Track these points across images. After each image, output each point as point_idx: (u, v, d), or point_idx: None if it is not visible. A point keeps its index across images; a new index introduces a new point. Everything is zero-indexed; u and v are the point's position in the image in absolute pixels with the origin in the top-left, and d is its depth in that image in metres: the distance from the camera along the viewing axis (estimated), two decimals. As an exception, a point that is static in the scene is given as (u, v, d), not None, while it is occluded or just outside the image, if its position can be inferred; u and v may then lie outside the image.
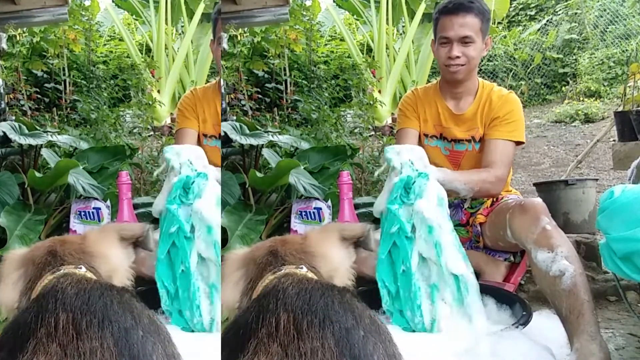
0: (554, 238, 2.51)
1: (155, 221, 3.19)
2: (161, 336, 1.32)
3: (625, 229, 2.37)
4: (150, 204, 3.45)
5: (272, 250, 1.70)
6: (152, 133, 5.33)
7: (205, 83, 6.22)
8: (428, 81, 8.38)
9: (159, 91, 7.50)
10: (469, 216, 3.05)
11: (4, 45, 5.18)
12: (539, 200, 2.70)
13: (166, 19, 8.47)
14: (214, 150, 3.04)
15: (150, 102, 4.88)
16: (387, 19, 8.47)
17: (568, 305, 2.39)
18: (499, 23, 11.83)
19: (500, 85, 3.15)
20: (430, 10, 9.17)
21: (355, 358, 1.20)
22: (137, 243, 1.80)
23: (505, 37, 11.35)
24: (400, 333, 2.44)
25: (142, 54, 8.59)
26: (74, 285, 1.41)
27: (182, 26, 9.50)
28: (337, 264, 1.68)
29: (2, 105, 4.32)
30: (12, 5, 5.72)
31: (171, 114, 7.17)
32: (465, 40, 2.87)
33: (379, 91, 7.47)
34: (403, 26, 9.55)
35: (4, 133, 3.33)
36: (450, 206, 2.92)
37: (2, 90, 4.40)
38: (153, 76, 5.70)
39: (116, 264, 1.68)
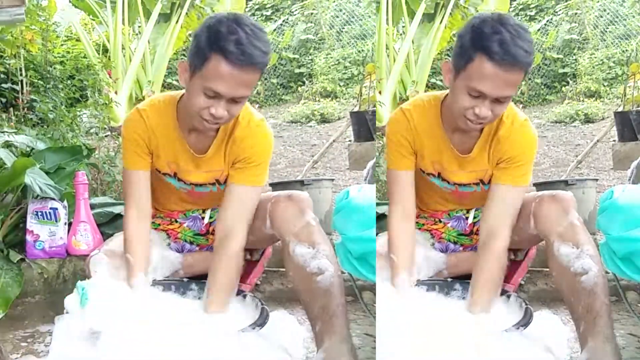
0: (582, 235, 2.51)
1: (112, 220, 3.39)
2: None
3: (625, 229, 2.53)
4: (107, 204, 3.63)
5: None
6: (109, 133, 5.47)
7: (162, 84, 6.38)
8: (164, 82, 8.75)
9: (116, 92, 7.62)
10: (472, 227, 2.93)
11: (-38, 46, 5.31)
12: (570, 194, 2.67)
13: (123, 19, 8.60)
14: (168, 185, 2.84)
15: (107, 103, 5.01)
16: (123, 19, 8.71)
17: (586, 305, 2.42)
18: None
19: None
20: (167, 10, 9.42)
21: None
22: None
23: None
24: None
25: (99, 54, 8.70)
26: None
27: (139, 26, 9.62)
28: None
29: (-41, 105, 4.45)
30: (-30, 6, 5.84)
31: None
32: (501, 100, 2.53)
33: (116, 92, 7.67)
34: (139, 26, 9.82)
35: None
36: (451, 218, 2.96)
37: (-42, 91, 4.53)
38: (110, 76, 5.80)
39: None
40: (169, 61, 9.34)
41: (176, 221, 2.89)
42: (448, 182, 2.83)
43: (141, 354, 2.35)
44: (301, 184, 4.07)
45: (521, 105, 9.88)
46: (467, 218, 2.94)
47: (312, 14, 10.61)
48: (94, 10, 9.69)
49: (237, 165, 2.71)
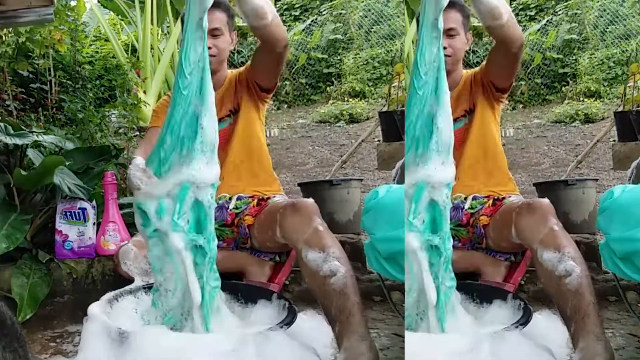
0: (561, 238, 2.50)
1: None
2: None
3: (625, 229, 2.45)
4: None
5: None
6: (137, 133, 5.32)
7: None
8: None
9: (144, 91, 7.47)
10: (469, 217, 3.01)
11: (-10, 46, 5.20)
12: (546, 200, 2.68)
13: (152, 19, 8.46)
14: None
15: (136, 103, 4.79)
16: (152, 20, 8.53)
17: (573, 306, 2.40)
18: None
19: None
20: None
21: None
22: None
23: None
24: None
25: (127, 54, 8.56)
26: None
27: (168, 26, 9.48)
28: None
29: (-12, 106, 4.35)
30: (-2, 6, 5.73)
31: None
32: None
33: (144, 92, 7.48)
34: (168, 26, 9.62)
35: None
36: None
37: (-13, 91, 4.43)
38: (139, 76, 5.66)
39: None
40: (197, 60, 9.24)
41: None
42: None
43: (168, 352, 2.27)
44: (330, 184, 3.95)
45: (521, 105, 9.76)
46: (463, 207, 2.99)
47: (340, 14, 10.44)
48: (122, 10, 9.57)
49: (244, 73, 3.03)
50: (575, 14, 11.19)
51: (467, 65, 3.34)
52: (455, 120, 2.91)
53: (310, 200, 2.69)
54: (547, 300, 2.62)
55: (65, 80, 4.99)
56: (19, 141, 3.26)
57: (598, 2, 10.98)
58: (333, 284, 2.42)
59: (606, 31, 10.60)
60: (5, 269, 3.01)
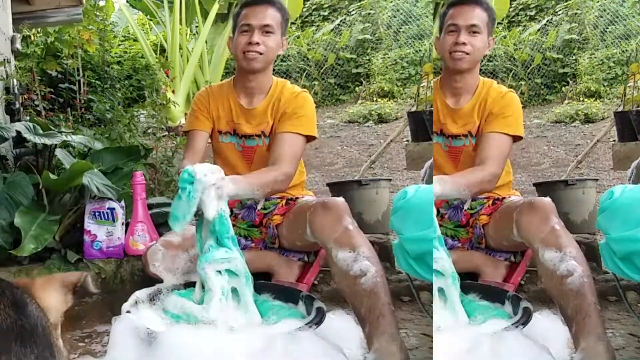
0: (563, 238, 2.42)
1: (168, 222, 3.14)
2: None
3: (625, 229, 2.37)
4: (164, 204, 3.40)
5: None
6: (166, 133, 5.24)
7: None
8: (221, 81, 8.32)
9: (173, 91, 7.38)
10: (468, 217, 2.95)
11: (19, 46, 5.10)
12: (548, 199, 2.58)
13: (180, 19, 8.38)
14: (229, 146, 2.94)
15: (165, 103, 4.69)
16: (181, 20, 8.39)
17: (575, 306, 2.32)
18: (499, 23, 11.69)
19: (500, 84, 3.07)
20: (224, 10, 9.12)
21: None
22: (78, 289, 1.75)
23: (505, 37, 11.14)
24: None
25: (156, 54, 8.47)
26: None
27: (197, 26, 9.39)
28: (49, 306, 1.64)
29: (17, 106, 4.23)
30: (27, 6, 5.65)
31: (185, 114, 7.02)
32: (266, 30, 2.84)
33: (173, 91, 7.35)
34: (196, 26, 9.46)
35: (19, 133, 3.19)
36: (449, 207, 2.95)
37: (16, 91, 4.31)
38: (167, 76, 5.55)
39: (49, 306, 1.63)
40: (227, 61, 9.15)
41: (231, 212, 2.77)
42: (239, 136, 2.95)
43: (197, 353, 2.20)
44: (358, 184, 3.83)
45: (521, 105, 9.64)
46: (463, 208, 2.94)
47: (369, 14, 10.31)
48: (151, 10, 9.47)
49: (282, 117, 2.84)
50: (575, 14, 11.06)
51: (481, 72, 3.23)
52: (455, 136, 2.93)
53: (341, 199, 2.60)
54: (547, 300, 2.54)
55: (93, 80, 4.93)
56: (47, 141, 3.18)
57: (598, 2, 10.83)
58: (363, 284, 2.33)
59: (606, 31, 10.46)
60: (34, 269, 2.92)
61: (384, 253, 3.21)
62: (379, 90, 9.30)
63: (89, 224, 3.06)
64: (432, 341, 2.46)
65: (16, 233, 2.88)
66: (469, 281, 2.77)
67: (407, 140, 5.45)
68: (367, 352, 2.33)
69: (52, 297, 1.69)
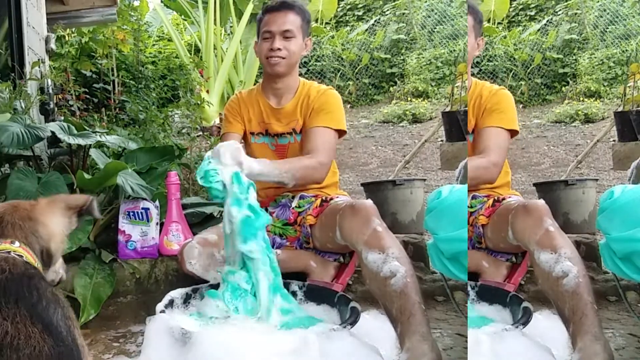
0: (557, 239, 2.32)
1: (204, 220, 3.01)
2: (60, 303, 1.45)
3: (625, 229, 2.30)
4: (199, 204, 3.30)
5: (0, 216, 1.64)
6: (200, 133, 5.09)
7: (254, 83, 5.98)
8: (256, 81, 8.07)
9: (207, 91, 7.20)
10: (469, 215, 2.83)
11: (53, 46, 4.99)
12: (542, 202, 2.48)
13: (215, 19, 8.18)
14: (262, 146, 2.88)
15: (199, 102, 4.51)
16: (215, 20, 8.17)
17: (571, 306, 2.22)
18: (499, 23, 11.52)
19: (500, 85, 2.99)
20: (259, 10, 8.81)
21: (42, 319, 1.36)
22: (82, 211, 1.75)
23: (505, 37, 10.95)
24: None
25: (190, 54, 8.29)
26: None
27: (231, 26, 9.19)
28: (54, 230, 1.66)
29: (51, 106, 4.11)
30: (61, 6, 5.54)
31: (220, 114, 6.91)
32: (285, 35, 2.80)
33: (207, 91, 7.16)
34: (231, 26, 9.23)
35: (53, 133, 3.02)
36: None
37: (51, 91, 4.19)
38: (201, 76, 5.38)
39: (54, 230, 1.66)
40: (260, 61, 8.93)
41: (266, 210, 2.70)
42: (271, 136, 2.91)
43: (232, 353, 2.08)
44: (393, 184, 3.70)
45: (521, 105, 9.48)
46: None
47: (403, 14, 10.14)
48: (185, 10, 9.28)
49: (312, 114, 2.79)
50: (575, 14, 10.85)
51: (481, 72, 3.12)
52: (280, 135, 2.90)
53: (369, 201, 2.47)
54: (547, 300, 2.42)
55: (128, 80, 4.79)
56: (82, 141, 3.03)
57: (598, 2, 10.63)
58: (393, 285, 2.21)
59: (606, 31, 10.25)
60: (68, 269, 2.76)
61: (418, 253, 3.13)
62: (414, 90, 9.14)
63: (123, 224, 2.94)
64: (466, 341, 2.35)
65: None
66: (469, 281, 2.68)
67: (442, 140, 5.28)
68: (401, 352, 2.22)
69: (56, 219, 1.69)
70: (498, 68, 10.26)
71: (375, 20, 10.53)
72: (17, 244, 1.56)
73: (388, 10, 10.53)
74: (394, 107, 8.74)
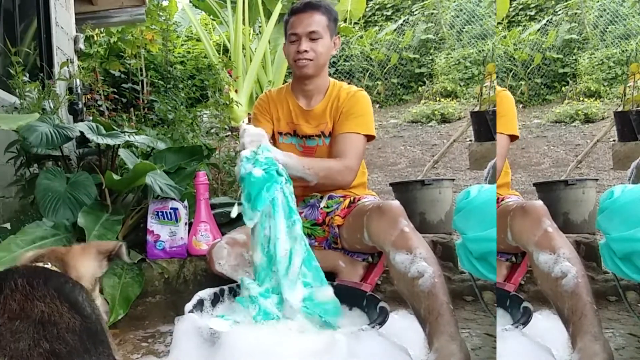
0: (556, 240, 2.22)
1: (233, 220, 2.94)
2: (83, 289, 1.53)
3: (625, 229, 2.24)
4: (227, 204, 3.18)
5: (37, 257, 1.66)
6: (229, 133, 4.95)
7: (283, 83, 5.87)
8: (284, 81, 7.87)
9: (236, 91, 7.03)
10: None
11: (82, 46, 4.91)
12: (540, 202, 2.39)
13: (243, 19, 7.93)
14: (290, 146, 2.77)
15: (228, 102, 4.34)
16: (244, 20, 7.93)
17: (570, 306, 2.13)
18: (498, 23, 11.35)
19: (500, 85, 2.89)
20: (287, 10, 8.51)
21: (69, 299, 1.42)
22: (112, 256, 1.76)
23: (505, 37, 10.79)
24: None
25: (219, 54, 8.10)
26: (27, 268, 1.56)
27: (260, 26, 8.97)
28: (83, 273, 1.68)
29: (80, 106, 4.03)
30: (90, 6, 5.46)
31: (248, 114, 6.76)
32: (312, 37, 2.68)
33: (236, 91, 6.99)
34: (259, 26, 9.01)
35: (82, 133, 2.92)
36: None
37: (79, 91, 4.12)
38: (230, 76, 5.25)
39: (83, 273, 1.68)
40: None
41: None
42: (299, 137, 2.81)
43: (261, 353, 2.01)
44: (422, 184, 3.58)
45: (521, 105, 9.31)
46: None
47: (432, 14, 9.93)
48: (214, 10, 9.04)
49: (341, 118, 2.69)
50: (575, 14, 10.65)
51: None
52: (309, 137, 2.81)
53: (396, 202, 2.37)
54: (547, 300, 2.33)
55: (156, 80, 4.65)
56: (110, 141, 2.91)
57: (598, 2, 10.41)
58: (421, 285, 2.11)
59: (606, 31, 10.05)
60: None
61: (447, 253, 3.01)
62: (442, 90, 8.94)
63: (152, 224, 2.83)
64: (494, 341, 2.29)
65: (79, 233, 2.63)
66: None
67: (470, 140, 5.15)
68: (429, 352, 2.14)
69: (87, 264, 1.70)
70: (498, 68, 9.97)
71: (403, 20, 10.32)
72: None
73: (417, 10, 10.32)
74: (422, 107, 8.54)
